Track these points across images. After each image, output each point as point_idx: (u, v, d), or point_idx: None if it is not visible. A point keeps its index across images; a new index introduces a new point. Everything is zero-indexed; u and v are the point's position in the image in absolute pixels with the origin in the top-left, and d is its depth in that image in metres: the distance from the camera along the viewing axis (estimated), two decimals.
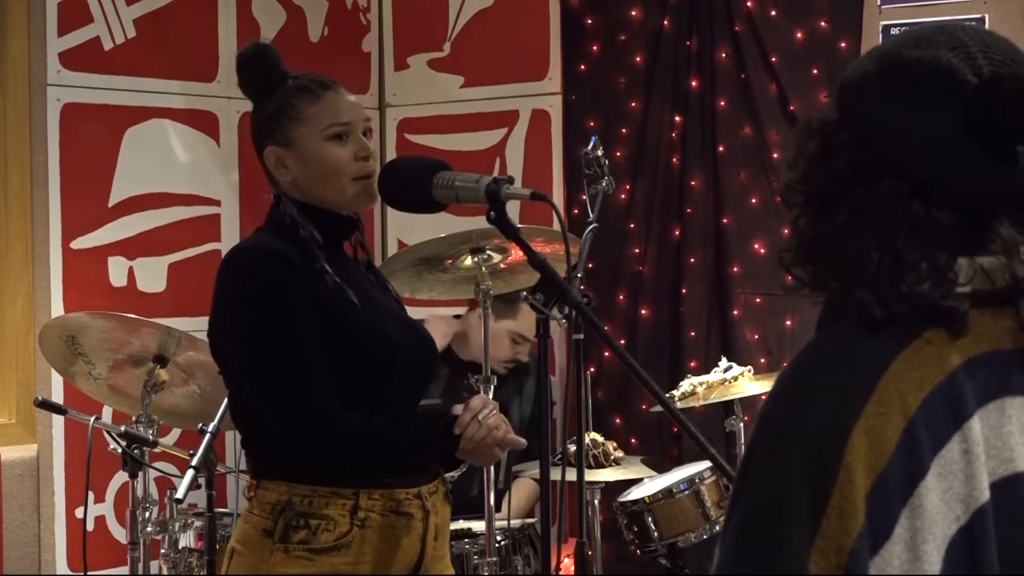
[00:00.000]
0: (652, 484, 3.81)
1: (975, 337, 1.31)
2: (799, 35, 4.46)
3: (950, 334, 1.30)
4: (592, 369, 4.57)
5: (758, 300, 4.53)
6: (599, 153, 3.41)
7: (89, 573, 3.68)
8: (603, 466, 3.79)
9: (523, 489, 4.19)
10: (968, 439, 1.28)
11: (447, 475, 3.06)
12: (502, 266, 3.33)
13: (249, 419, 2.49)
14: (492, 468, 3.07)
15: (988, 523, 1.27)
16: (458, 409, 2.51)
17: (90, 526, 3.89)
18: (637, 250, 4.72)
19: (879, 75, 1.36)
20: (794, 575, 1.23)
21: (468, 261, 3.30)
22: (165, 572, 3.50)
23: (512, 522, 3.70)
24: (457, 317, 4.46)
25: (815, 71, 4.43)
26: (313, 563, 2.38)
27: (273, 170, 2.51)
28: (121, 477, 3.94)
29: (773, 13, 4.49)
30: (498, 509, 3.27)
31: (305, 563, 2.37)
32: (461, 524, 3.63)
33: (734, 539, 1.28)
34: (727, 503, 1.34)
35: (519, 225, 2.28)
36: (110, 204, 4.44)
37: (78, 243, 4.35)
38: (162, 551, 3.50)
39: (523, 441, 2.56)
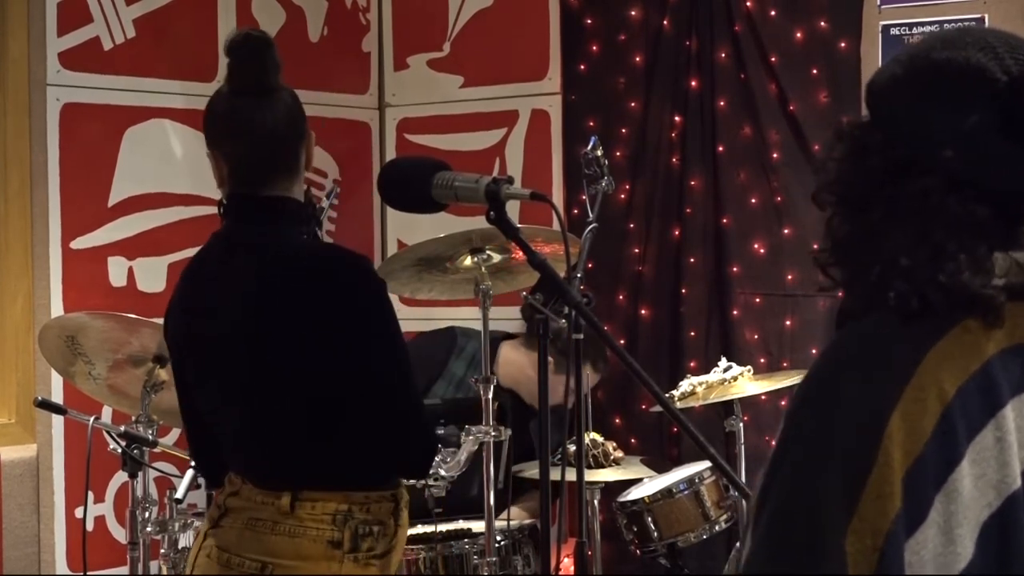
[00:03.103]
0: (652, 484, 3.81)
1: (1009, 329, 1.35)
2: (799, 35, 4.46)
3: (986, 323, 1.34)
4: None
5: (758, 300, 4.53)
6: (599, 153, 3.41)
7: (89, 573, 3.68)
8: (603, 466, 3.80)
9: (527, 504, 4.13)
10: (1002, 427, 1.31)
11: (447, 475, 3.06)
12: (502, 266, 3.33)
13: (314, 427, 2.42)
14: (492, 468, 3.07)
15: (1019, 509, 1.31)
16: None
17: (90, 526, 3.89)
18: (637, 250, 4.72)
19: (910, 76, 1.41)
20: (832, 556, 1.26)
21: (468, 261, 3.30)
22: (165, 572, 3.50)
23: (512, 522, 3.70)
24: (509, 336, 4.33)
25: (815, 71, 4.43)
26: (376, 567, 2.42)
27: (306, 156, 2.53)
28: (121, 477, 3.94)
29: (773, 13, 4.49)
30: (498, 510, 3.26)
31: (374, 569, 2.42)
32: (461, 524, 3.63)
33: (770, 522, 1.32)
34: (758, 489, 1.36)
35: (519, 225, 2.28)
36: (110, 204, 4.44)
37: (78, 243, 4.35)
38: (162, 551, 3.50)
39: None
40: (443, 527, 3.46)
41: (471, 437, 3.08)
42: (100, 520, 4.31)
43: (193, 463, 3.25)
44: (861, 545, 1.26)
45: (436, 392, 4.02)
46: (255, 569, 2.40)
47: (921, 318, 1.34)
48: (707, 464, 3.74)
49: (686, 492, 3.72)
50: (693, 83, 4.63)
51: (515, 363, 4.06)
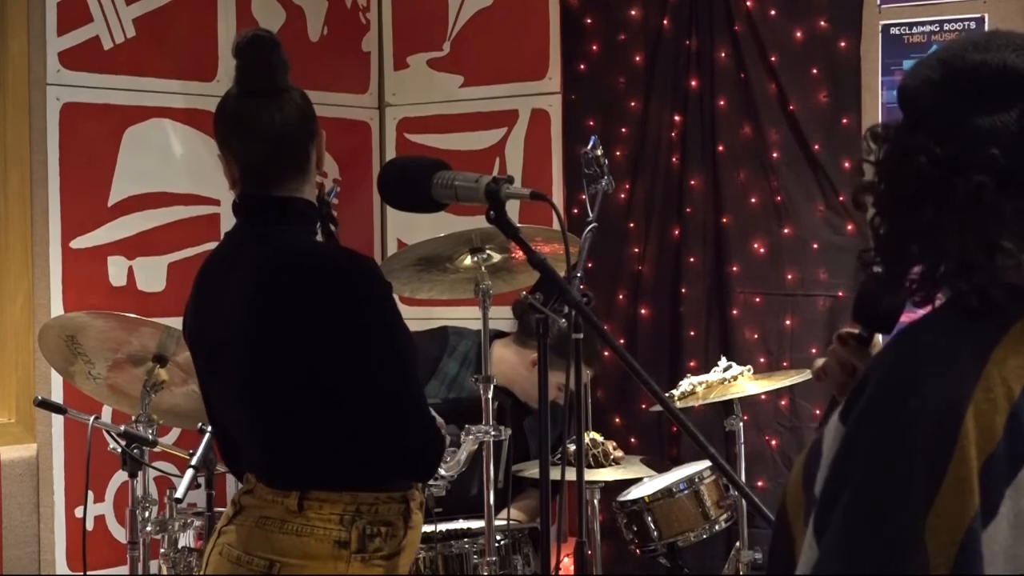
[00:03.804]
0: (651, 484, 3.81)
1: None
2: (799, 35, 4.46)
3: None
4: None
5: (757, 300, 4.53)
6: (599, 152, 3.41)
7: (89, 573, 3.68)
8: (603, 466, 3.80)
9: (531, 503, 4.13)
10: None
11: (447, 475, 3.06)
12: (502, 266, 3.33)
13: (316, 427, 2.42)
14: (492, 467, 3.07)
15: None
16: None
17: (90, 525, 3.89)
18: (637, 249, 4.72)
19: (947, 79, 1.45)
20: (916, 553, 1.29)
21: (468, 261, 3.31)
22: (164, 572, 3.50)
23: (511, 521, 3.70)
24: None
25: (815, 71, 4.43)
26: (382, 568, 2.42)
27: (317, 155, 2.52)
28: (121, 476, 3.94)
29: (773, 13, 4.49)
30: (498, 509, 3.26)
31: (379, 570, 2.41)
32: (461, 524, 3.63)
33: (847, 520, 1.33)
34: (819, 492, 1.39)
35: (518, 224, 2.28)
36: (110, 204, 4.44)
37: (78, 243, 4.35)
38: (161, 550, 3.50)
39: None
40: (443, 527, 3.46)
41: (471, 437, 3.08)
42: (100, 520, 4.31)
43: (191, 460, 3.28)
44: (938, 541, 1.29)
45: (429, 391, 4.02)
46: (263, 567, 2.40)
47: (982, 316, 1.37)
48: (707, 464, 3.74)
49: (686, 492, 3.72)
50: (693, 83, 4.63)
51: (507, 361, 4.07)
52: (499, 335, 4.20)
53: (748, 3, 4.51)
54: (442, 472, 3.09)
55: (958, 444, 1.31)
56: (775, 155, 4.48)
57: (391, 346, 2.42)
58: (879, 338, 1.69)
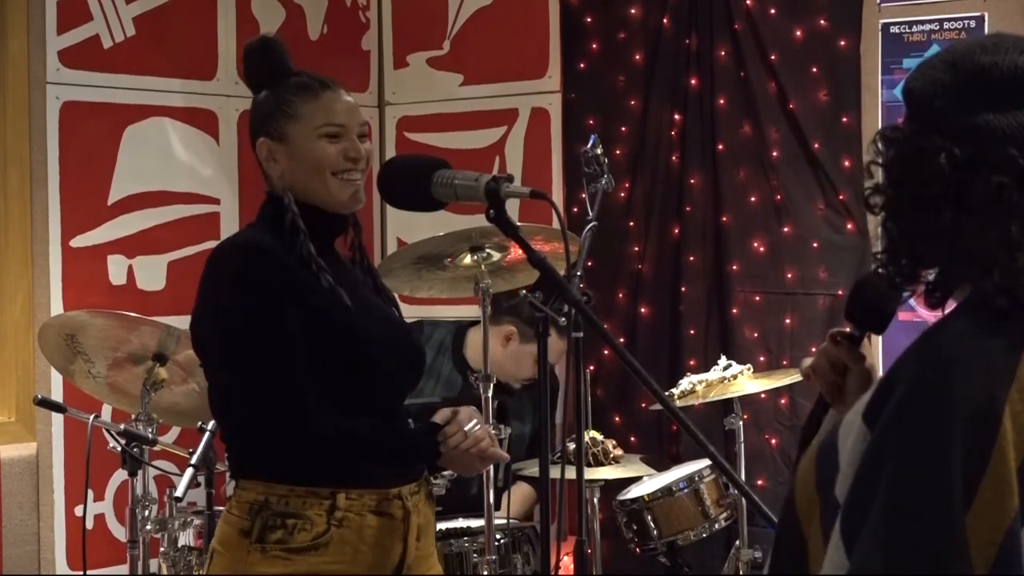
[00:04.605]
0: (651, 482, 3.82)
1: None
2: (798, 33, 4.46)
3: None
4: (591, 367, 4.57)
5: (757, 298, 4.53)
6: (598, 151, 3.41)
7: (89, 571, 3.68)
8: (602, 464, 3.80)
9: (519, 493, 4.15)
10: None
11: (444, 474, 3.05)
12: (501, 264, 3.33)
13: (229, 416, 2.48)
14: (492, 466, 3.07)
15: None
16: (443, 415, 2.51)
17: (89, 524, 3.89)
18: (636, 248, 4.72)
19: (959, 81, 1.45)
20: (960, 554, 1.28)
21: (467, 259, 3.31)
22: (164, 570, 3.50)
23: (511, 520, 3.70)
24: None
25: (815, 69, 4.43)
26: (290, 563, 2.37)
27: (264, 162, 2.52)
28: (121, 475, 3.94)
29: (772, 11, 4.49)
30: (497, 508, 3.26)
31: (283, 563, 2.37)
32: (460, 523, 3.63)
33: (887, 521, 1.31)
34: (842, 495, 1.38)
35: (518, 223, 2.28)
36: (109, 202, 4.44)
37: (77, 241, 4.35)
38: (161, 549, 3.50)
39: (505, 455, 2.63)
40: (443, 525, 3.46)
41: None
42: (100, 518, 4.32)
43: None
44: (977, 542, 1.28)
45: None
46: (210, 552, 2.48)
47: (1009, 316, 1.37)
48: (707, 462, 3.75)
49: (686, 490, 3.72)
50: (693, 81, 4.63)
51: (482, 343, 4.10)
52: (473, 323, 4.21)
53: (748, 2, 4.51)
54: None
55: (996, 445, 1.30)
56: (775, 154, 4.48)
57: (219, 334, 2.42)
58: (880, 341, 1.69)
